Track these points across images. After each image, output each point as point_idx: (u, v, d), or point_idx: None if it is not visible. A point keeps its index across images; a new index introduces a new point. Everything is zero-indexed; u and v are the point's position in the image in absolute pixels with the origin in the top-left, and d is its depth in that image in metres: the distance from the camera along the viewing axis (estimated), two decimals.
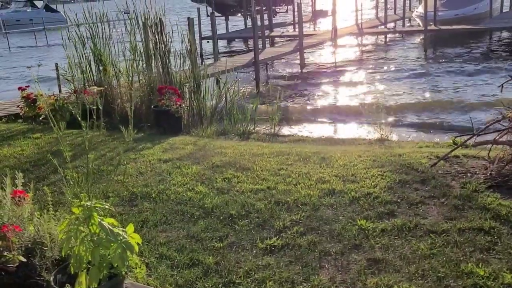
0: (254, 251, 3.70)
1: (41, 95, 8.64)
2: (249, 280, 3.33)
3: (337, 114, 12.33)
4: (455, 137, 5.86)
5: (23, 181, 3.45)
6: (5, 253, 2.93)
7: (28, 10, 51.54)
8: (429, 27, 21.14)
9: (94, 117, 2.79)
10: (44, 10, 50.89)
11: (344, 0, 30.21)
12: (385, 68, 18.52)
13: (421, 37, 23.65)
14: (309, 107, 13.31)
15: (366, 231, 3.83)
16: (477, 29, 21.92)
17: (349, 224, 3.97)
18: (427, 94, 13.82)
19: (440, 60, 19.13)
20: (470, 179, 4.59)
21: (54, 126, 2.77)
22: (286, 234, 3.90)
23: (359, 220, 3.98)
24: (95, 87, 6.80)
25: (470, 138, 5.20)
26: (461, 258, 3.37)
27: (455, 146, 5.28)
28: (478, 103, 12.34)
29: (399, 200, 4.31)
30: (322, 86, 16.19)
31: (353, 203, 4.34)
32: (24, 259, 2.95)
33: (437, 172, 4.84)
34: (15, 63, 28.30)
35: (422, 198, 4.32)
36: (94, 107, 2.76)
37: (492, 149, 5.12)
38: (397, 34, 26.36)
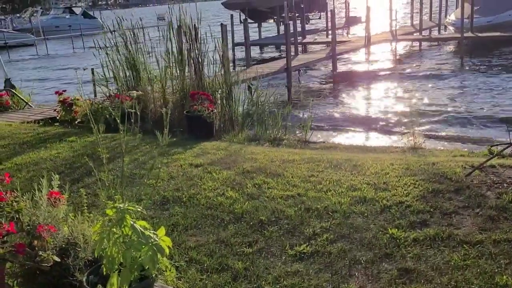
0: (284, 258, 3.70)
1: (77, 99, 8.86)
2: (277, 286, 3.33)
3: (370, 122, 12.21)
4: (491, 146, 5.74)
5: (59, 183, 3.54)
6: (40, 253, 3.00)
7: (67, 17, 52.99)
8: (465, 34, 20.73)
9: (133, 120, 2.84)
10: (82, 16, 52.23)
11: (378, 7, 29.96)
12: (419, 75, 18.23)
13: (453, 46, 23.25)
14: (341, 114, 13.22)
15: (398, 240, 3.78)
16: None
17: (380, 232, 3.92)
18: (462, 103, 13.53)
19: (477, 69, 18.72)
20: (507, 190, 4.48)
21: (94, 127, 2.84)
22: (316, 241, 3.88)
23: (391, 229, 3.93)
24: (135, 91, 6.87)
25: (507, 147, 5.08)
26: (496, 270, 3.29)
27: (491, 156, 5.17)
28: None
29: (432, 210, 4.23)
30: (354, 93, 16.07)
31: (385, 211, 4.29)
32: (58, 259, 3.01)
33: (471, 182, 4.73)
34: (53, 68, 29.09)
35: (455, 208, 4.23)
36: (133, 111, 2.81)
37: None
38: (432, 42, 25.94)
